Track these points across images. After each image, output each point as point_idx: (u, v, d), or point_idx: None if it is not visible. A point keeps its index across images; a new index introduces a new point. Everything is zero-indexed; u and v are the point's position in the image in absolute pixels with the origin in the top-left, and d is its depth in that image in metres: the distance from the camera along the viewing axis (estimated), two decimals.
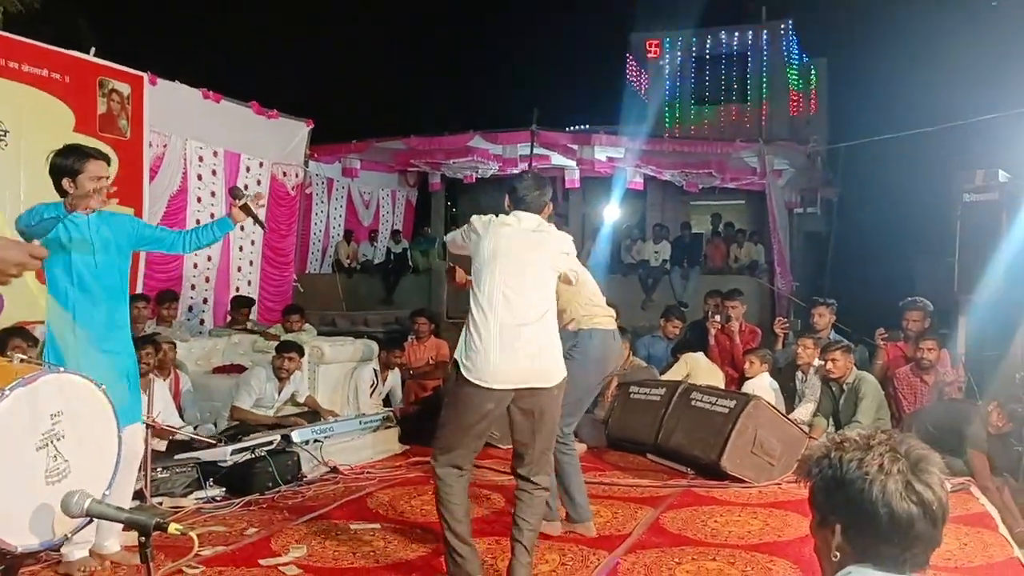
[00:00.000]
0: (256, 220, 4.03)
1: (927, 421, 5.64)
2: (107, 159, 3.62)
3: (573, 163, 13.40)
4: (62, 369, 2.24)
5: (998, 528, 4.47)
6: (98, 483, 2.23)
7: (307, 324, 7.90)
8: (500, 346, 3.32)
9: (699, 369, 6.91)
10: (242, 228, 8.75)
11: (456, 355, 3.39)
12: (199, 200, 8.21)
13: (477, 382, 3.30)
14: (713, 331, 7.53)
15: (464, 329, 3.38)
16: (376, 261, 14.61)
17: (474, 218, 3.56)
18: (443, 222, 17.44)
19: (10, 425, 2.01)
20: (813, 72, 18.40)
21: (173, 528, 1.93)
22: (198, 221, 8.03)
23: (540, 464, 3.49)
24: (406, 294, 13.51)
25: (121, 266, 3.77)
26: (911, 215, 12.64)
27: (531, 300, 3.38)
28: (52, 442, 2.10)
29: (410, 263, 14.36)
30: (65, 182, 3.52)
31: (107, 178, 3.59)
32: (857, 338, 7.30)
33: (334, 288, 11.99)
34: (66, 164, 3.51)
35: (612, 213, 15.20)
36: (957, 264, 6.82)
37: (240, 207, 3.93)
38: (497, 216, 3.55)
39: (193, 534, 2.03)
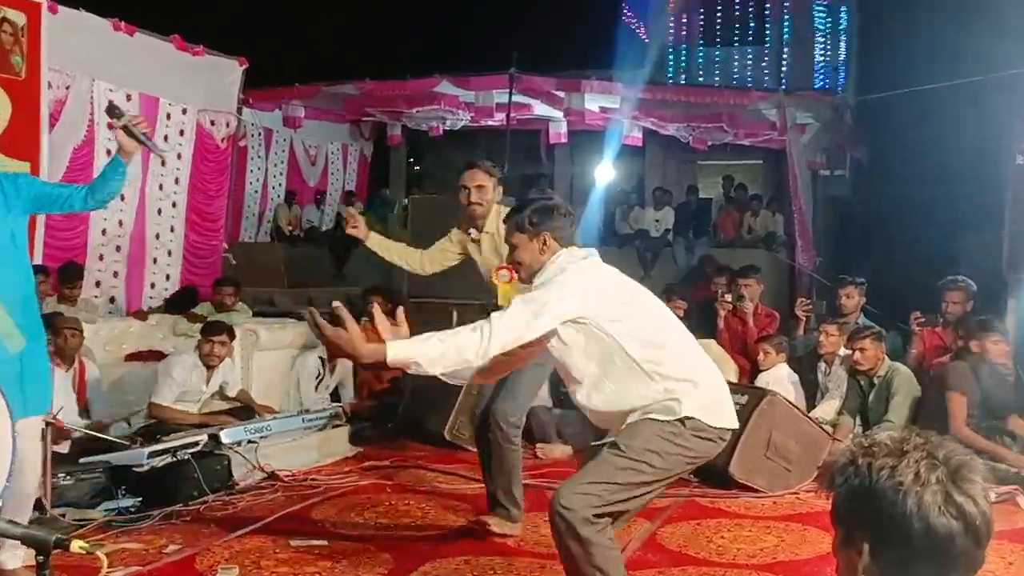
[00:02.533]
0: (145, 143, 3.94)
1: None
2: None
3: (559, 114, 13.41)
4: None
5: None
6: None
7: (240, 303, 7.86)
8: (718, 375, 3.32)
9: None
10: (161, 187, 8.68)
11: (655, 407, 3.11)
12: (109, 153, 8.06)
13: (726, 425, 3.22)
14: (723, 313, 7.58)
15: (642, 376, 3.12)
16: (324, 228, 14.55)
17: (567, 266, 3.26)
18: (404, 182, 17.42)
19: None
20: (843, 10, 18.45)
21: (77, 546, 1.91)
22: (108, 151, 7.89)
23: None
24: (359, 268, 13.43)
25: (14, 226, 3.74)
26: (955, 180, 12.74)
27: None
28: None
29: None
30: None
31: None
32: (889, 323, 7.38)
33: (274, 260, 11.93)
34: None
35: (605, 174, 15.26)
36: (1007, 238, 6.90)
37: (122, 129, 3.84)
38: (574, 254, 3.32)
39: (101, 553, 2.02)
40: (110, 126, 3.96)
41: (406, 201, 13.32)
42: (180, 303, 8.07)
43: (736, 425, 3.26)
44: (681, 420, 3.05)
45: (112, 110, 3.95)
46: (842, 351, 6.61)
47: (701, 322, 7.62)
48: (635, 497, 3.11)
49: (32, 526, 1.95)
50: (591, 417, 3.34)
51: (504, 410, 4.57)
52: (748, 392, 5.90)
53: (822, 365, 6.77)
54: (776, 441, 5.58)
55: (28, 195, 3.85)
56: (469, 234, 4.82)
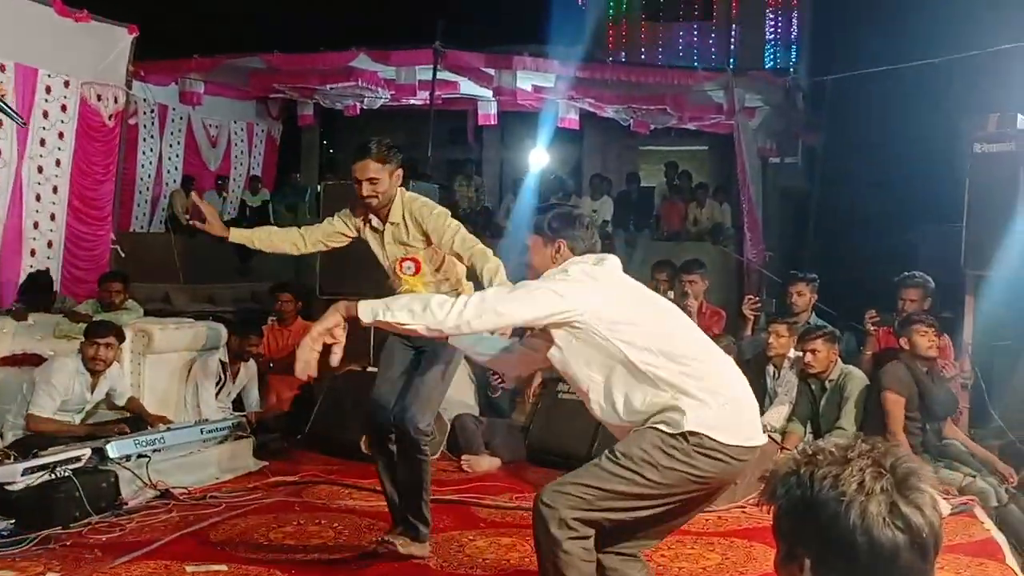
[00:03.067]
0: (5, 111, 3.84)
1: None
2: None
3: (489, 93, 13.45)
4: None
5: (1005, 559, 4.71)
6: None
7: (130, 300, 7.72)
8: (743, 390, 3.30)
9: None
10: (40, 170, 8.48)
11: (660, 418, 3.12)
12: None
13: (742, 443, 3.15)
14: None
15: (648, 384, 3.15)
16: (227, 217, 14.30)
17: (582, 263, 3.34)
18: (316, 167, 17.27)
19: None
20: None
21: None
22: None
23: None
24: (266, 262, 13.20)
25: None
26: (912, 169, 13.07)
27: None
28: None
29: (271, 221, 14.14)
30: None
31: None
32: (843, 323, 7.55)
33: (168, 253, 11.69)
34: None
35: (539, 159, 15.37)
36: (965, 231, 7.08)
37: None
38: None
39: None
40: None
41: (319, 188, 13.18)
42: (33, 293, 7.86)
43: (761, 442, 3.25)
44: (684, 434, 3.05)
45: None
46: (792, 353, 6.71)
47: None
48: (625, 509, 3.12)
49: None
50: (611, 431, 3.38)
51: (414, 415, 4.51)
52: None
53: (771, 368, 6.86)
54: None
55: None
56: (369, 221, 4.75)
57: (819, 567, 1.62)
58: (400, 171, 4.62)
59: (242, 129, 15.47)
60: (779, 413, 6.59)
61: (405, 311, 3.14)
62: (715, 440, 3.06)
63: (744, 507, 5.63)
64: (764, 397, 6.87)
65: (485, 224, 13.35)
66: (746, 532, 5.20)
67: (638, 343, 3.14)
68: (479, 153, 17.08)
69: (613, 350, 3.15)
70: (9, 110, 3.94)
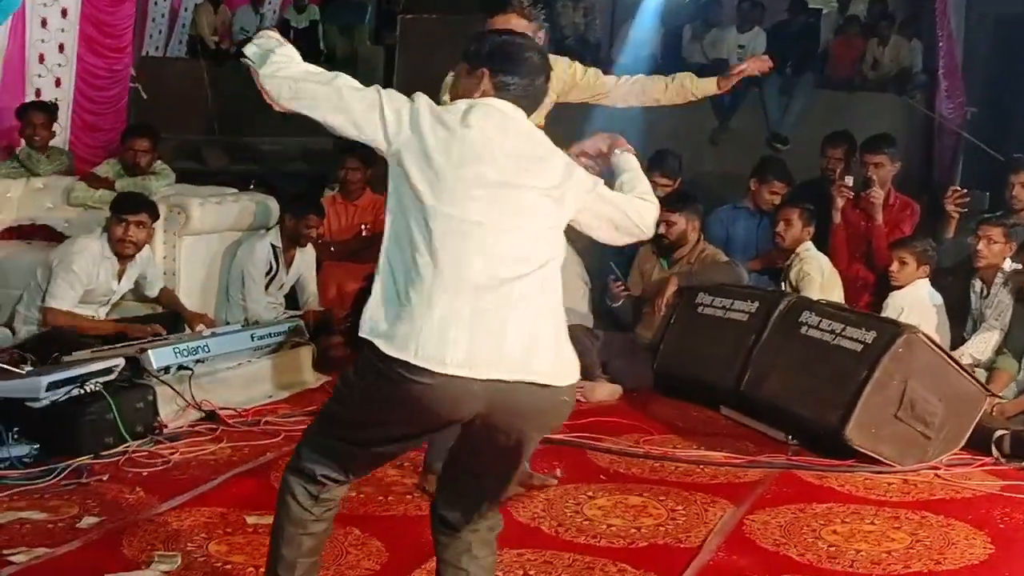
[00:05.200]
0: None
1: None
2: None
3: None
4: None
5: None
6: None
7: (159, 162, 7.88)
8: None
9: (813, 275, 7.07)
10: None
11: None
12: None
13: (408, 359, 3.11)
14: (840, 203, 7.62)
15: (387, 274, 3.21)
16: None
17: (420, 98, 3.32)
18: None
19: None
20: None
21: None
22: None
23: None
24: None
25: None
26: None
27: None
28: None
29: (322, 47, 14.15)
30: None
31: None
32: None
33: (196, 86, 11.80)
34: None
35: None
36: None
37: None
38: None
39: None
40: None
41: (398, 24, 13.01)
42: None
43: (443, 368, 3.04)
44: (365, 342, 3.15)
45: None
46: (1008, 264, 6.68)
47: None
48: (353, 437, 3.26)
49: None
50: None
51: None
52: (876, 326, 5.97)
53: (977, 283, 6.84)
54: (913, 397, 5.68)
55: None
56: None
57: None
58: (545, 33, 4.80)
59: None
60: (986, 342, 6.60)
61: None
62: (381, 351, 3.06)
63: (938, 468, 5.69)
64: (967, 318, 6.90)
65: (594, 61, 13.18)
66: (942, 504, 5.23)
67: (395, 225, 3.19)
68: None
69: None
70: None
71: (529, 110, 3.38)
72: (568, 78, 4.97)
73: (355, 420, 3.23)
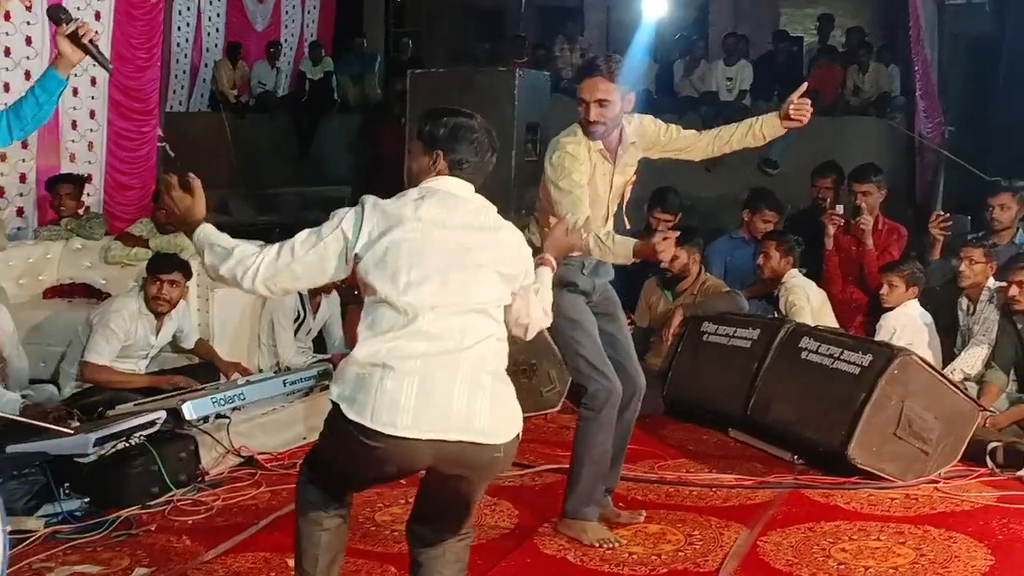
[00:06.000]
0: (95, 56, 4.04)
1: None
2: None
3: None
4: None
5: None
6: None
7: None
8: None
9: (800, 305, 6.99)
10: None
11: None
12: (7, 18, 8.06)
13: (364, 422, 3.35)
14: (832, 230, 7.56)
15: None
16: (280, 93, 14.41)
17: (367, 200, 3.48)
18: (383, 23, 17.17)
19: None
20: None
21: None
22: (7, 51, 7.94)
23: None
24: (331, 145, 13.43)
25: None
26: None
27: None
28: None
29: (336, 96, 14.17)
30: None
31: None
32: None
33: (218, 138, 11.82)
34: None
35: (655, 8, 14.92)
36: None
37: (68, 37, 3.92)
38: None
39: None
40: (53, 41, 3.94)
41: (407, 78, 13.02)
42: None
43: (413, 435, 3.27)
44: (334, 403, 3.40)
45: (55, 13, 3.98)
46: (992, 283, 6.63)
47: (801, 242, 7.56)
48: (336, 472, 3.54)
49: None
50: None
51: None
52: (872, 350, 5.93)
53: (964, 301, 6.80)
54: (910, 415, 5.64)
55: None
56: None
57: None
58: (632, 95, 4.72)
59: None
60: (975, 357, 6.55)
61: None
62: (345, 416, 3.31)
63: (937, 482, 5.65)
64: (956, 335, 6.84)
65: None
66: (943, 518, 5.18)
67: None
68: (580, 2, 16.74)
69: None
70: (100, 56, 4.00)
71: (477, 184, 3.55)
72: (653, 135, 4.92)
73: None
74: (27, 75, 8.31)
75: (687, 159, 5.16)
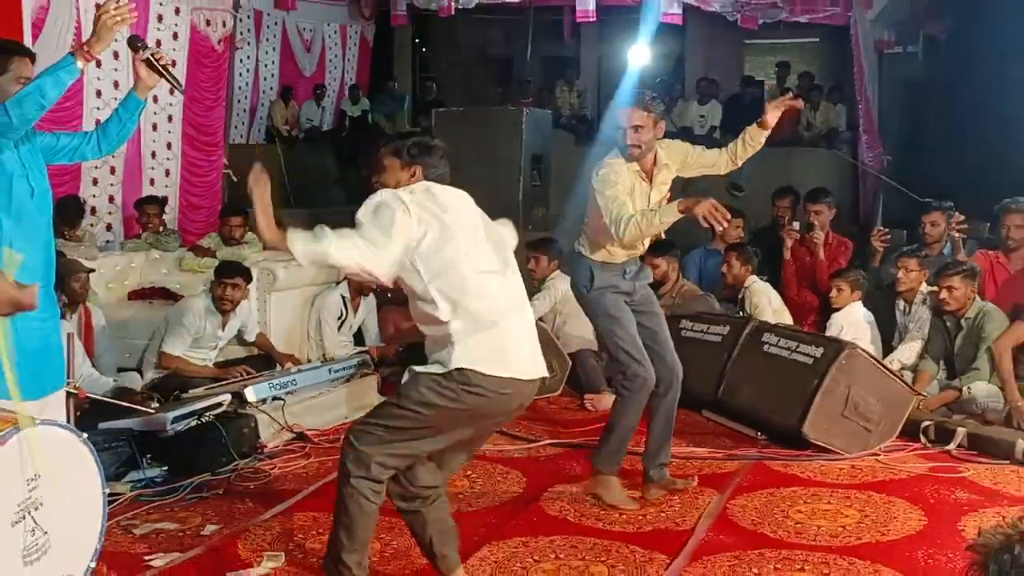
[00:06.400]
0: (168, 78, 4.05)
1: None
2: (31, 55, 3.72)
3: None
4: (38, 420, 2.35)
5: None
6: (80, 557, 2.37)
7: (250, 233, 7.94)
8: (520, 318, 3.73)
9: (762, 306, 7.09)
10: (155, 99, 8.69)
11: (437, 360, 3.53)
12: (99, 64, 8.11)
13: (512, 375, 3.56)
14: (789, 243, 7.65)
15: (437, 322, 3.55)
16: (325, 128, 14.51)
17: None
18: (410, 70, 17.26)
19: None
20: None
21: None
22: (98, 93, 7.97)
23: None
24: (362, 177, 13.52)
25: (35, 185, 3.82)
26: None
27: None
28: (29, 512, 2.23)
29: (371, 130, 14.27)
30: None
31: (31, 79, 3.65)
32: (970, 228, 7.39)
33: (273, 166, 11.85)
34: None
35: (639, 56, 15.01)
36: None
37: (144, 62, 3.94)
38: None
39: None
40: (135, 69, 3.98)
41: (432, 117, 13.16)
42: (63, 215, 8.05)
43: (532, 375, 3.60)
44: (451, 373, 3.45)
45: (134, 41, 4.02)
46: (925, 287, 6.69)
47: (762, 253, 7.68)
48: (412, 441, 3.58)
49: None
50: None
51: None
52: (823, 344, 6.03)
53: (901, 303, 6.85)
54: (855, 398, 5.74)
55: (47, 147, 3.95)
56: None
57: None
58: (663, 123, 4.85)
59: (336, 32, 15.37)
60: (911, 350, 6.61)
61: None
62: (480, 374, 3.45)
63: (878, 455, 5.73)
64: (894, 331, 6.91)
65: (586, 132, 13.30)
66: (883, 485, 5.26)
67: (426, 278, 3.50)
68: (576, 51, 16.81)
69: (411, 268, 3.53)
70: (172, 79, 4.07)
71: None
72: (683, 156, 5.00)
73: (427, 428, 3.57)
74: (167, 173, 8.95)
75: (714, 174, 5.25)
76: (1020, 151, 10.66)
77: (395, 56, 16.75)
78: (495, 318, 3.53)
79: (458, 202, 3.72)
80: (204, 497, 5.07)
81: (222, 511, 4.90)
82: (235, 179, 9.47)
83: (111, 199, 8.62)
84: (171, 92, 4.32)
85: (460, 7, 14.24)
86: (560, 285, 7.15)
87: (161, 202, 8.38)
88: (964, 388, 6.13)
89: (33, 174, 3.80)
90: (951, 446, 5.75)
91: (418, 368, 3.57)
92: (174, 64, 4.12)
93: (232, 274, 6.54)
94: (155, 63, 3.95)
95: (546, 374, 3.74)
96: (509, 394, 3.55)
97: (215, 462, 5.41)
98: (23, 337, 3.39)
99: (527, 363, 3.61)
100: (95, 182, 8.35)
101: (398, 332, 7.72)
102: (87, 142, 4.08)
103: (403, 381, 3.61)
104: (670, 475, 5.17)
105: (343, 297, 7.36)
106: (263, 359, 6.76)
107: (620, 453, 5.04)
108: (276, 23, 14.21)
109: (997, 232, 7.04)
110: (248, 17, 13.45)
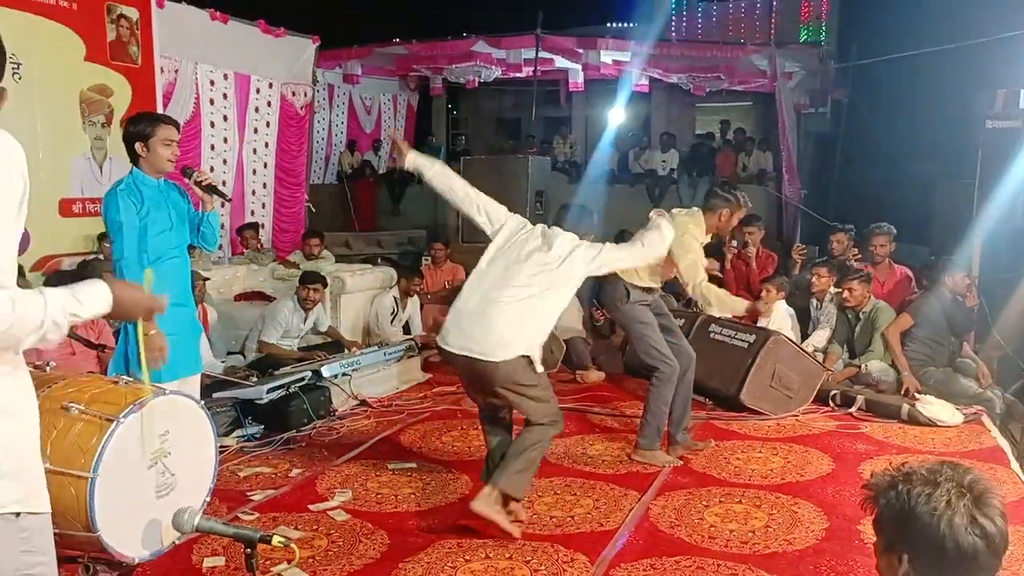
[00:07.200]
0: (217, 194, 3.89)
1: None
2: (176, 125, 3.67)
3: (578, 66, 13.22)
4: (168, 390, 2.37)
5: (1010, 464, 4.68)
6: (199, 492, 2.39)
7: (325, 250, 7.98)
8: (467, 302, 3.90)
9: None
10: (254, 151, 8.74)
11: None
12: (212, 125, 8.15)
13: (445, 346, 3.84)
14: (729, 256, 7.61)
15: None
16: (381, 171, 14.52)
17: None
18: (444, 126, 17.29)
19: (126, 449, 2.14)
20: None
21: (277, 540, 2.04)
22: (212, 147, 8.01)
23: None
24: (413, 204, 13.53)
25: (187, 237, 3.80)
26: (929, 128, 12.36)
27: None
28: (161, 459, 2.24)
29: (414, 173, 14.24)
30: (138, 146, 3.58)
31: (176, 142, 3.61)
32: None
33: (341, 200, 11.96)
34: (137, 130, 3.58)
35: (616, 116, 15.04)
36: (977, 190, 6.85)
37: (197, 184, 3.81)
38: None
39: (294, 545, 2.14)
40: (187, 187, 3.87)
41: (461, 163, 13.09)
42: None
43: (463, 352, 3.66)
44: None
45: (186, 171, 3.91)
46: (832, 289, 6.65)
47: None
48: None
49: (239, 526, 2.10)
50: None
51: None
52: (755, 332, 5.98)
53: (814, 300, 6.80)
54: (779, 373, 5.71)
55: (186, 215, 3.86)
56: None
57: (914, 562, 1.70)
58: (732, 214, 5.04)
59: (389, 100, 15.42)
60: (822, 336, 6.57)
61: None
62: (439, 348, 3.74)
63: (798, 416, 5.68)
64: (809, 323, 6.86)
65: (576, 174, 13.32)
66: (802, 439, 5.23)
67: None
68: (569, 112, 16.82)
69: None
70: (219, 191, 3.91)
71: None
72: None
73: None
74: (263, 206, 9.10)
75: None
76: (896, 188, 10.81)
77: (433, 117, 16.78)
78: (457, 304, 3.75)
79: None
80: (291, 448, 5.07)
81: (304, 458, 4.90)
82: (314, 210, 9.49)
83: (222, 226, 8.55)
84: (222, 205, 4.05)
85: (482, 81, 14.33)
86: None
87: (258, 227, 8.40)
88: (862, 365, 6.10)
89: (176, 216, 3.71)
90: (852, 409, 5.72)
91: None
92: (224, 184, 4.14)
93: (313, 281, 6.53)
94: (202, 184, 3.80)
95: (477, 356, 3.63)
96: (452, 363, 3.77)
97: (299, 422, 5.40)
98: (169, 326, 3.35)
99: (455, 337, 3.71)
100: None
101: (436, 324, 7.69)
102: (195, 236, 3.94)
103: None
104: (691, 439, 5.03)
105: (395, 298, 7.34)
106: (334, 345, 6.74)
107: (660, 432, 4.84)
108: (344, 93, 14.25)
109: (865, 250, 6.98)
110: (323, 89, 13.50)
